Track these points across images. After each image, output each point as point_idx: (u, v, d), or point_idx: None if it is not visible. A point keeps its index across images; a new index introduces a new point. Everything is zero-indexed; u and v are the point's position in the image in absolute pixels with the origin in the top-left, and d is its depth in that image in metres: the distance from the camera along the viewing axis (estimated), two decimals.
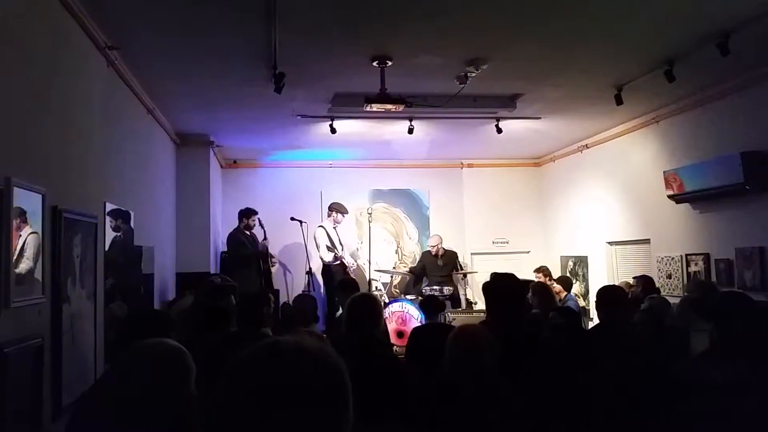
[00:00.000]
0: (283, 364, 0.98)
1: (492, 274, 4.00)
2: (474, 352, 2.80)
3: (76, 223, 3.53)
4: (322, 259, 8.90)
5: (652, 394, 2.96)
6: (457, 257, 9.11)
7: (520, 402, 2.72)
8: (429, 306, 5.42)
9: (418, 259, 9.60)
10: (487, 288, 3.82)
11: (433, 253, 9.02)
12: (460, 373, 2.80)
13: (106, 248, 4.27)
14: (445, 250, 9.04)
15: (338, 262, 8.80)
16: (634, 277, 6.60)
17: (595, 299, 4.24)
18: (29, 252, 2.86)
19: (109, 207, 4.38)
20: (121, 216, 4.68)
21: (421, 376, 3.18)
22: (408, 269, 9.59)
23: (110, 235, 4.38)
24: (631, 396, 3.02)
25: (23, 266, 2.79)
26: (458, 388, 2.76)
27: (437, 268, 8.92)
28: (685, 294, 5.79)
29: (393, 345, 6.04)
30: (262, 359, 1.00)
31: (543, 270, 8.20)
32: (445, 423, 2.68)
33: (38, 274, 2.97)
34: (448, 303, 7.61)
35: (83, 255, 3.67)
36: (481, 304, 6.15)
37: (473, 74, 5.15)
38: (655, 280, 6.84)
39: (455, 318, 7.10)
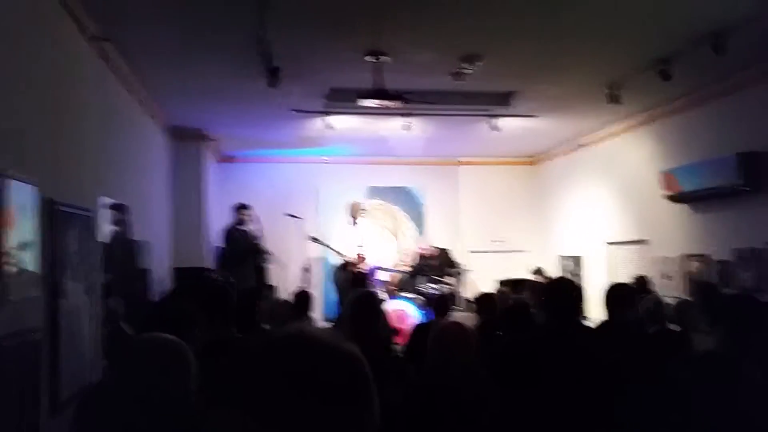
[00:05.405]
0: (305, 355, 0.95)
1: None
2: (450, 352, 2.74)
3: (72, 216, 3.51)
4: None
5: (651, 397, 2.94)
6: (449, 255, 9.12)
7: (512, 402, 2.67)
8: (440, 306, 5.53)
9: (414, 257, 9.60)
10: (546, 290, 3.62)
11: (426, 255, 9.04)
12: (437, 374, 2.76)
13: (105, 242, 4.25)
14: (439, 250, 9.06)
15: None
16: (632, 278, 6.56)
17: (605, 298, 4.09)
18: (26, 245, 2.84)
19: (105, 201, 4.35)
20: (120, 210, 4.65)
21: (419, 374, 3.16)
22: (409, 267, 9.58)
23: (108, 229, 4.36)
24: (630, 398, 2.99)
25: (19, 260, 2.78)
26: (437, 388, 2.71)
27: (431, 268, 8.95)
28: (688, 296, 5.75)
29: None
30: (285, 349, 0.97)
31: (539, 271, 8.22)
32: (424, 424, 2.64)
33: (35, 268, 2.95)
34: None
35: (80, 249, 3.65)
36: None
37: (469, 71, 5.14)
38: (655, 280, 6.81)
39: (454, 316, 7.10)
